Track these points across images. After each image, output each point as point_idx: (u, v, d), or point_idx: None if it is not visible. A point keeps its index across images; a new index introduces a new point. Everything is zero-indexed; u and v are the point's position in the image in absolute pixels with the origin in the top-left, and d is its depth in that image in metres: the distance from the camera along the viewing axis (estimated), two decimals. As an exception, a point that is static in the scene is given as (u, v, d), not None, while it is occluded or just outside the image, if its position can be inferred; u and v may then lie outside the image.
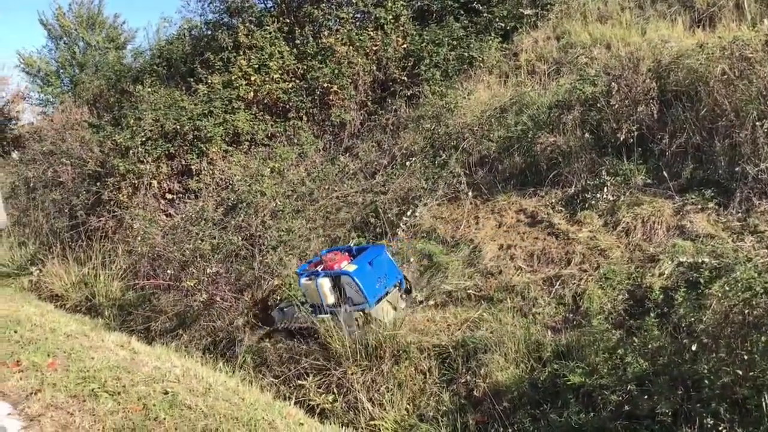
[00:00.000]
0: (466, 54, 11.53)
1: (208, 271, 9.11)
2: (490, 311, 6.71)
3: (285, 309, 8.09)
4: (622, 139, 7.84)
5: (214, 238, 9.49)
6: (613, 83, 8.17)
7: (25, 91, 28.45)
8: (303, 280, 7.72)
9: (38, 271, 12.93)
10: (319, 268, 7.61)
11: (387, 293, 7.45)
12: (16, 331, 7.13)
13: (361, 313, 7.16)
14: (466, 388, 5.84)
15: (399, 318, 7.07)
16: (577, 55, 10.14)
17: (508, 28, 11.95)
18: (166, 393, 5.15)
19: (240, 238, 9.24)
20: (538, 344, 5.98)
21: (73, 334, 7.13)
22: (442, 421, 5.55)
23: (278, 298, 8.38)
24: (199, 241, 9.49)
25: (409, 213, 8.81)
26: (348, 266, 7.41)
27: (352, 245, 8.46)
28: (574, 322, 6.23)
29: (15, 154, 19.99)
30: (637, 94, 7.98)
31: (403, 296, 7.68)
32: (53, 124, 18.57)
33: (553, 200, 8.08)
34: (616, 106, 8.02)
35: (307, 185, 10.32)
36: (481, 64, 11.42)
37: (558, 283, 6.79)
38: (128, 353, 6.46)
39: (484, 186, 8.91)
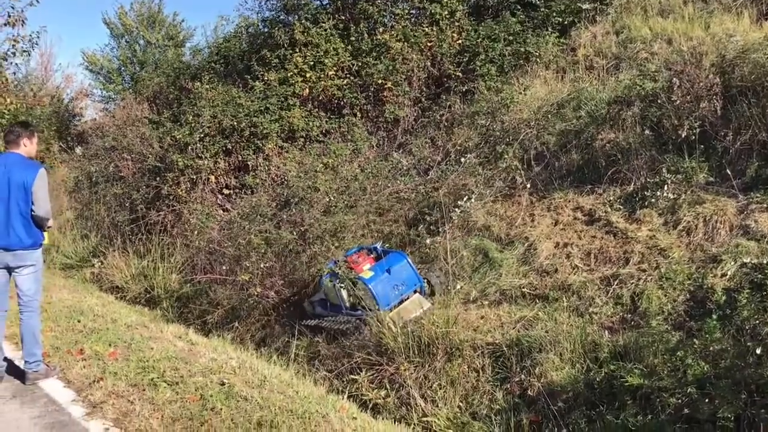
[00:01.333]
0: (522, 49, 11.40)
1: (261, 266, 9.24)
2: (545, 310, 6.62)
3: (314, 303, 8.44)
4: (683, 135, 7.65)
5: (269, 232, 9.62)
6: (674, 79, 7.98)
7: (89, 89, 29.29)
8: (325, 281, 8.12)
9: (100, 263, 13.31)
10: (339, 270, 7.87)
11: (403, 300, 7.66)
12: (79, 321, 7.38)
13: (374, 319, 7.24)
14: (520, 387, 5.78)
15: (419, 320, 7.09)
16: (637, 50, 9.95)
17: (565, 22, 11.79)
18: (223, 384, 5.25)
19: (293, 233, 9.34)
20: (595, 344, 5.88)
21: (133, 325, 7.32)
22: (495, 420, 5.50)
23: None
24: (253, 236, 9.64)
25: (459, 208, 8.69)
26: (366, 272, 7.75)
27: (378, 245, 8.62)
28: (632, 323, 6.10)
29: (78, 150, 20.60)
30: (700, 90, 7.77)
31: (427, 298, 7.80)
32: (115, 121, 19.08)
33: (612, 198, 7.92)
34: (678, 102, 7.83)
35: (360, 181, 10.35)
36: (538, 60, 11.28)
37: (616, 283, 6.66)
38: (186, 344, 6.60)
39: (540, 183, 8.81)
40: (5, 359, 5.70)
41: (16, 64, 12.46)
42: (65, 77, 31.27)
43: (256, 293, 9.03)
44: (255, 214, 10.41)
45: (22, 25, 11.94)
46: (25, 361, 5.56)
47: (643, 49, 9.80)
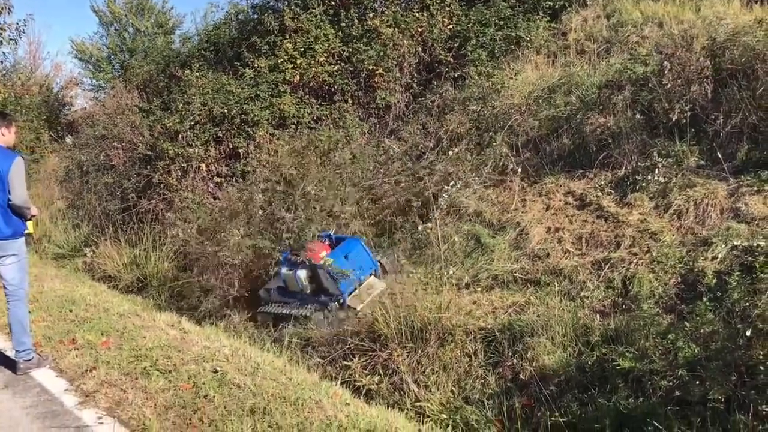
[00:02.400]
0: (513, 34, 11.36)
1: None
2: (537, 295, 6.64)
3: (270, 290, 8.69)
4: (674, 119, 7.65)
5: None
6: (665, 62, 7.98)
7: (78, 77, 29.10)
8: (284, 270, 8.44)
9: (92, 253, 13.28)
10: (298, 259, 8.28)
11: (361, 283, 8.06)
12: (71, 310, 7.37)
13: (337, 302, 7.82)
14: (512, 372, 5.80)
15: (371, 301, 7.67)
16: (627, 33, 9.92)
17: (556, 6, 11.77)
18: (216, 372, 5.25)
19: (282, 221, 9.34)
20: (586, 328, 5.90)
21: (126, 314, 7.31)
22: (488, 404, 5.53)
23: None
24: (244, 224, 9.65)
25: (446, 193, 8.70)
26: (326, 260, 8.08)
27: (331, 233, 8.92)
28: (624, 307, 6.12)
29: (69, 139, 20.50)
30: (691, 73, 7.78)
31: (379, 278, 8.29)
32: (105, 109, 18.93)
33: (603, 182, 7.93)
34: (669, 85, 7.83)
35: (351, 168, 10.32)
36: (529, 44, 11.24)
37: (607, 267, 6.68)
38: (178, 333, 6.59)
39: (531, 168, 8.81)
40: None
41: (3, 52, 12.38)
42: (54, 66, 31.02)
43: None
44: (246, 202, 10.38)
45: (9, 13, 11.88)
46: (15, 351, 5.59)
47: (634, 33, 9.77)
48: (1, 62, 13.04)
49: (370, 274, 8.27)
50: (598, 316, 6.09)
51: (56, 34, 55.95)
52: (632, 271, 6.46)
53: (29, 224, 5.64)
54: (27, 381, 5.32)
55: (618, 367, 5.20)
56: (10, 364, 5.69)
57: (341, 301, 7.85)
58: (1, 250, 5.38)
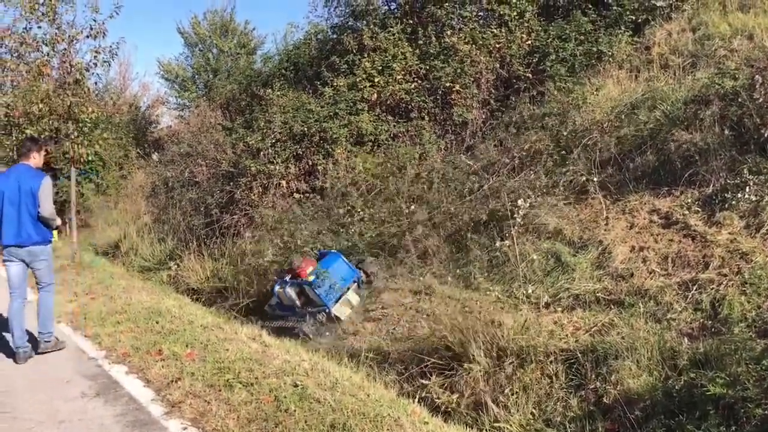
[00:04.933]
0: (594, 49, 11.20)
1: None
2: (620, 316, 6.45)
3: (272, 306, 9.58)
4: (766, 135, 7.33)
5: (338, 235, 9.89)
6: (756, 76, 7.69)
7: (164, 96, 30.33)
8: (276, 288, 9.47)
9: (176, 266, 13.71)
10: (287, 277, 9.33)
11: (343, 293, 8.95)
12: (157, 322, 7.61)
13: (324, 313, 8.75)
14: (595, 395, 5.64)
15: (357, 311, 8.78)
16: (715, 47, 9.62)
17: (639, 20, 11.53)
18: (296, 386, 5.31)
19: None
20: (673, 352, 5.68)
21: (209, 326, 7.49)
22: (569, 427, 5.39)
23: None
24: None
25: (521, 209, 8.46)
26: (309, 276, 8.99)
27: (321, 249, 10.04)
28: (713, 330, 5.87)
29: (155, 156, 21.36)
30: (785, 87, 7.46)
31: (362, 287, 9.23)
32: (189, 127, 19.66)
33: (689, 200, 7.67)
34: (760, 100, 7.53)
35: (428, 184, 10.35)
36: (611, 59, 11.05)
37: (695, 288, 6.44)
38: (260, 346, 6.71)
39: (613, 185, 8.60)
40: (29, 341, 6.46)
41: (98, 74, 12.98)
42: (142, 86, 32.51)
43: None
44: (324, 218, 10.68)
45: (103, 37, 12.44)
46: (39, 332, 6.48)
47: (722, 46, 9.46)
48: (95, 83, 13.62)
49: (354, 282, 9.17)
50: (685, 339, 5.86)
51: (142, 54, 58.45)
52: (722, 292, 6.20)
53: (54, 233, 6.57)
54: (117, 390, 5.52)
55: (708, 393, 4.98)
56: (98, 372, 5.94)
57: (327, 311, 8.72)
58: (33, 256, 6.31)
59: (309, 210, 11.53)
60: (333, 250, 9.71)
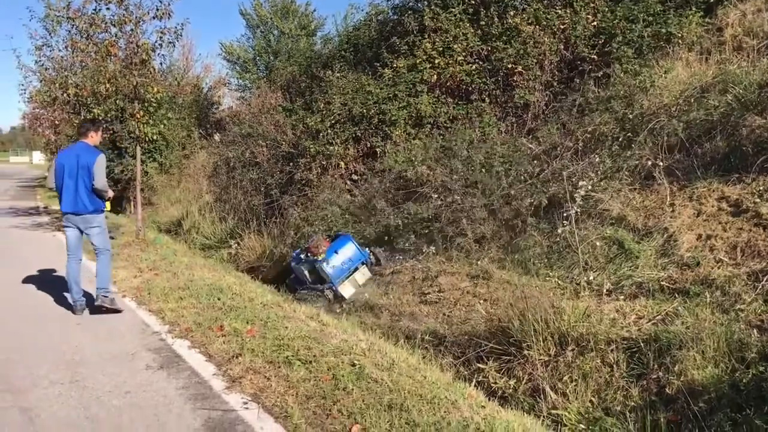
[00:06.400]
0: (663, 30, 10.81)
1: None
2: (685, 305, 6.26)
3: (292, 279, 11.02)
4: None
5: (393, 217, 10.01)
6: (838, 58, 7.30)
7: (226, 78, 30.77)
8: (293, 264, 10.80)
9: (236, 245, 13.97)
10: (303, 255, 10.52)
11: (351, 273, 9.98)
12: (219, 299, 7.77)
13: (330, 290, 9.83)
14: (657, 385, 5.50)
15: (363, 289, 9.71)
16: (793, 27, 9.17)
17: (711, 1, 11.06)
18: (354, 365, 5.35)
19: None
20: (741, 343, 5.49)
21: (269, 304, 7.62)
22: (629, 417, 5.27)
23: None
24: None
25: (582, 189, 8.14)
26: (321, 255, 9.99)
27: (339, 232, 10.94)
28: (785, 323, 5.66)
29: (217, 137, 21.70)
30: None
31: (369, 267, 10.19)
32: (250, 109, 19.91)
33: (761, 188, 7.37)
34: (842, 83, 7.16)
35: (487, 168, 10.23)
36: (680, 41, 10.67)
37: (765, 279, 6.19)
38: (317, 325, 6.78)
39: (680, 171, 8.34)
40: (84, 294, 7.48)
41: (162, 55, 13.20)
42: (204, 67, 33.01)
43: None
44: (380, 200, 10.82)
45: (169, 18, 12.65)
46: (97, 288, 7.33)
47: (801, 27, 9.04)
48: (161, 64, 13.87)
49: (363, 263, 10.11)
50: (755, 331, 5.65)
51: (206, 36, 59.41)
52: (795, 284, 5.95)
53: (107, 204, 7.54)
54: (180, 364, 5.66)
55: (778, 388, 4.81)
56: (161, 346, 6.11)
57: (333, 288, 9.80)
58: (88, 223, 7.23)
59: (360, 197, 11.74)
60: (346, 233, 10.63)
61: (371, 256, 10.33)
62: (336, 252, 10.00)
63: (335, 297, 9.79)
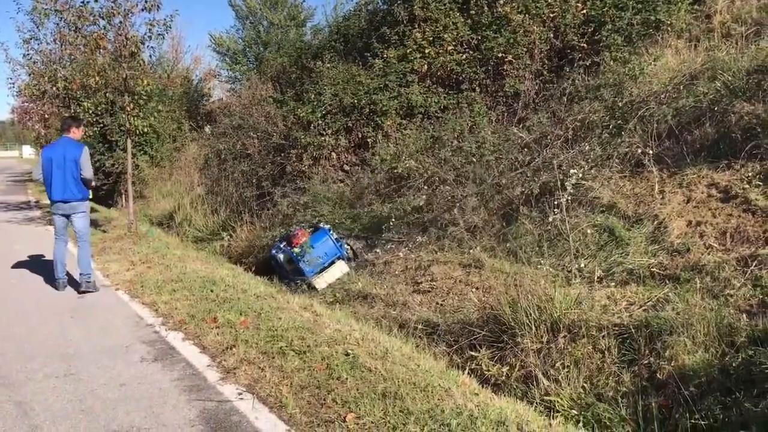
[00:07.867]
0: (652, 17, 10.85)
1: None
2: (676, 291, 6.32)
3: (273, 265, 11.08)
4: (835, 106, 7.04)
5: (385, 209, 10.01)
6: (826, 44, 7.35)
7: (216, 70, 30.65)
8: (273, 252, 10.99)
9: (228, 237, 13.96)
10: (282, 244, 10.83)
11: (326, 268, 10.16)
12: (212, 291, 7.78)
13: (305, 282, 10.06)
14: (648, 370, 5.56)
15: (338, 280, 9.89)
16: (781, 14, 9.22)
17: (700, -13, 11.10)
18: (347, 354, 5.38)
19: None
20: (731, 328, 5.55)
21: (262, 295, 7.63)
22: (621, 402, 5.33)
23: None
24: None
25: (572, 177, 8.14)
26: (296, 249, 10.31)
27: (315, 223, 11.18)
28: (773, 307, 5.72)
29: (207, 129, 21.62)
30: None
31: (347, 262, 10.34)
32: (241, 100, 19.86)
33: (750, 174, 7.43)
34: (829, 69, 7.21)
35: (478, 157, 10.26)
36: (669, 28, 10.71)
37: (754, 264, 6.25)
38: (311, 315, 6.80)
39: (670, 158, 8.38)
40: (67, 274, 8.43)
41: (152, 47, 13.12)
42: (194, 59, 32.87)
43: None
44: (372, 191, 10.81)
45: (158, 10, 12.56)
46: (80, 274, 8.19)
47: (790, 13, 9.08)
48: (150, 56, 13.78)
49: (339, 258, 10.27)
50: (744, 316, 5.71)
51: (195, 27, 59.12)
52: (783, 269, 6.01)
53: (90, 192, 8.31)
54: (174, 356, 5.67)
55: (767, 371, 4.87)
56: (155, 338, 6.12)
57: (307, 281, 10.05)
58: (74, 209, 8.09)
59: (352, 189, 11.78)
60: (324, 226, 10.81)
61: (349, 251, 10.56)
62: (312, 246, 10.21)
63: (309, 289, 9.97)
